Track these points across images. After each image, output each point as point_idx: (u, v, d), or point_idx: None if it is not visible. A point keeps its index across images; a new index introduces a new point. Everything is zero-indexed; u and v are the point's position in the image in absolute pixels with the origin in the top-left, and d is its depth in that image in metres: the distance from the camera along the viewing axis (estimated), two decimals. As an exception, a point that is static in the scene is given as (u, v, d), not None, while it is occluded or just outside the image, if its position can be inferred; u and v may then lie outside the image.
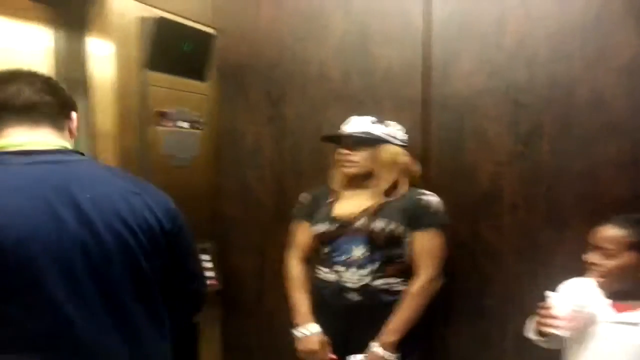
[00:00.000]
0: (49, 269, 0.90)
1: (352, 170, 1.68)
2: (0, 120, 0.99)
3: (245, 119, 2.19)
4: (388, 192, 1.66)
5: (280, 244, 1.95)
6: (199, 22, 2.08)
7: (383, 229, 1.62)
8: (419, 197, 1.67)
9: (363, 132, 1.67)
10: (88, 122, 1.80)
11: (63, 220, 0.92)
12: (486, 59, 1.81)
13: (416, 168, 1.75)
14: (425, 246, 1.64)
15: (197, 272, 1.25)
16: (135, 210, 1.01)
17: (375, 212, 1.64)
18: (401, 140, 1.73)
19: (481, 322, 1.85)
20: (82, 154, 1.09)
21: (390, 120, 1.75)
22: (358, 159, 1.67)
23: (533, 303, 1.41)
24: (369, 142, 1.67)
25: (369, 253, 1.63)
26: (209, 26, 2.14)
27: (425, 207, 1.65)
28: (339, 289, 1.66)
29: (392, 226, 1.62)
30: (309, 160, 2.07)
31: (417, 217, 1.64)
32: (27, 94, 1.02)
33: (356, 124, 1.70)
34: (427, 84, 1.89)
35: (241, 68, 2.18)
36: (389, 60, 1.93)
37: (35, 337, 0.90)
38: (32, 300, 0.89)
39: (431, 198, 1.67)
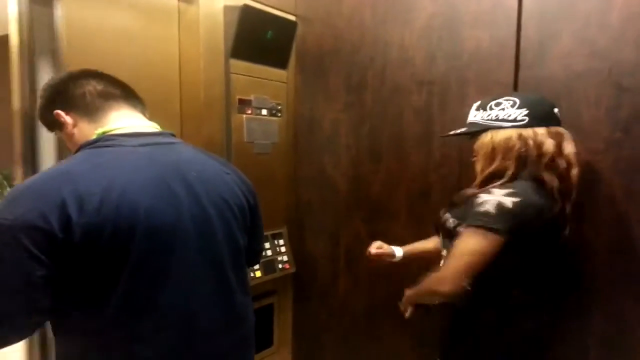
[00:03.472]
0: (170, 240, 0.99)
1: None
2: (105, 107, 1.09)
3: (324, 105, 2.19)
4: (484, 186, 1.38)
5: (354, 230, 1.93)
6: (282, 10, 2.10)
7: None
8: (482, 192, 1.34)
9: (468, 124, 1.47)
10: (176, 108, 1.89)
11: (177, 195, 1.01)
12: (587, 37, 1.63)
13: (544, 149, 1.33)
14: (456, 244, 1.32)
15: (263, 236, 1.39)
16: (230, 187, 1.14)
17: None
18: (514, 120, 1.38)
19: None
20: (175, 136, 1.17)
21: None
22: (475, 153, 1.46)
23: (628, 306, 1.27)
24: (476, 134, 1.45)
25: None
26: (291, 14, 2.16)
27: (475, 203, 1.31)
28: None
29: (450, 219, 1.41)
30: (386, 146, 2.01)
31: (466, 212, 1.34)
32: (121, 84, 1.15)
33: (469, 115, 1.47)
34: (519, 66, 1.75)
35: (321, 55, 2.17)
36: (478, 41, 1.82)
37: (158, 300, 0.98)
38: (158, 268, 0.98)
39: (490, 196, 1.29)
